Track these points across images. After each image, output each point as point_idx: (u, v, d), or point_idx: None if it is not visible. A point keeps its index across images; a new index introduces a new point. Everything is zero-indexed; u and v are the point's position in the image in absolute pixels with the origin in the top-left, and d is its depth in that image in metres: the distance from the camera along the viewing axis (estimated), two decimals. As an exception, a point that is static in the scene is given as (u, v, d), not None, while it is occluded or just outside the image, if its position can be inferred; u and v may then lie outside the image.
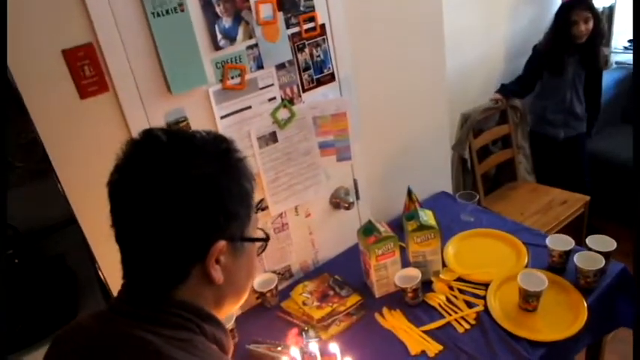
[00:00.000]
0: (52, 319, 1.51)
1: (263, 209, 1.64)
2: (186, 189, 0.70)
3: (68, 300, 1.58)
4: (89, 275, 1.70)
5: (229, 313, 0.83)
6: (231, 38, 1.42)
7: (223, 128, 1.48)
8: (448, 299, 1.57)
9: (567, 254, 1.55)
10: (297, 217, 1.73)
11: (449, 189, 2.24)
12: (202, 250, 0.72)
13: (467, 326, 1.45)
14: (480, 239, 1.78)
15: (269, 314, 1.66)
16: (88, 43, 1.25)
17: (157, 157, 0.72)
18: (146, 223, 0.70)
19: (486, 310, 1.48)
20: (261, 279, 1.68)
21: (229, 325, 1.54)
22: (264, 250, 0.86)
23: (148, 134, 0.76)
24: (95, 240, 1.39)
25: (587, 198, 2.53)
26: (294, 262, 1.78)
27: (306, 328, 1.55)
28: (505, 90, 2.80)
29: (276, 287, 1.67)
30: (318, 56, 1.60)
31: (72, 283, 1.65)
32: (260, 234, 0.83)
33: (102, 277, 1.45)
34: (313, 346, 1.37)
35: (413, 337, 1.47)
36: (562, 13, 2.62)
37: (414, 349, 1.43)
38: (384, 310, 1.58)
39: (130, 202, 0.71)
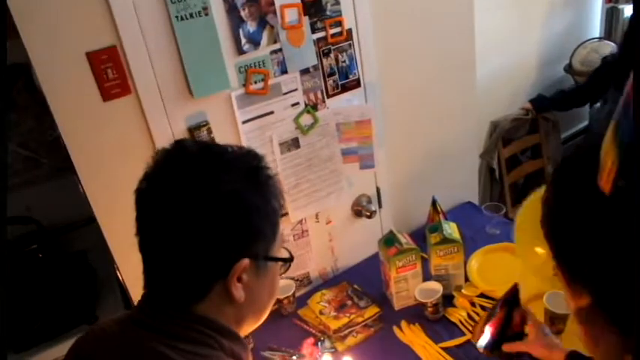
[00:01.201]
0: (70, 316, 1.53)
1: (283, 215, 1.62)
2: (214, 204, 0.69)
3: (87, 298, 1.59)
4: (109, 274, 1.71)
5: (249, 330, 0.82)
6: (255, 42, 1.40)
7: (245, 133, 1.47)
8: (469, 316, 1.52)
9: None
10: (317, 223, 1.70)
11: (475, 199, 2.18)
12: (225, 267, 0.71)
13: (488, 345, 1.40)
14: (505, 254, 1.72)
15: (285, 321, 1.64)
16: (112, 46, 1.25)
17: (186, 170, 0.72)
18: (170, 235, 0.70)
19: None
20: (279, 285, 1.66)
21: (245, 332, 1.53)
22: (287, 270, 0.84)
23: (180, 145, 0.76)
24: (114, 241, 1.40)
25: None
26: (312, 269, 1.75)
27: (322, 338, 1.52)
28: (540, 101, 2.68)
29: (293, 294, 1.64)
30: (344, 61, 1.57)
31: (92, 280, 1.67)
32: (284, 253, 0.82)
33: (120, 278, 1.45)
34: (327, 359, 1.35)
35: (431, 354, 1.43)
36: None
37: (432, 367, 1.39)
38: (403, 323, 1.54)
39: (156, 213, 0.71)
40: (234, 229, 0.70)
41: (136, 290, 1.46)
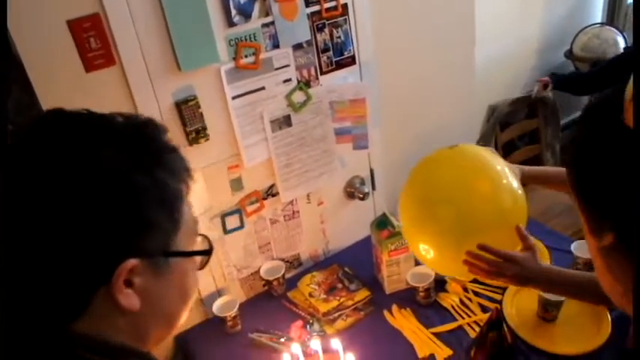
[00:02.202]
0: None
1: (273, 195, 1.58)
2: (87, 188, 0.53)
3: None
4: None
5: (162, 341, 0.66)
6: (246, 14, 1.35)
7: (235, 109, 1.42)
8: (462, 301, 1.49)
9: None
10: (308, 204, 1.66)
11: (470, 183, 2.14)
12: (106, 270, 0.54)
13: (480, 331, 1.37)
14: (499, 239, 1.68)
15: (274, 303, 1.62)
16: (95, 14, 1.19)
17: (56, 145, 0.55)
18: (32, 230, 0.52)
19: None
20: (269, 266, 1.63)
21: (232, 313, 1.50)
22: (206, 264, 0.67)
23: (54, 114, 0.61)
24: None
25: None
26: (303, 250, 1.72)
27: (310, 321, 1.49)
28: (558, 79, 2.54)
29: (283, 276, 1.61)
30: (339, 37, 1.52)
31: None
32: (199, 244, 0.65)
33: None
34: (315, 343, 1.31)
35: (422, 339, 1.40)
36: None
37: (422, 352, 1.37)
38: (394, 307, 1.51)
39: (15, 202, 0.52)
40: (115, 219, 0.54)
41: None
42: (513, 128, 2.57)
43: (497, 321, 1.21)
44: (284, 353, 1.31)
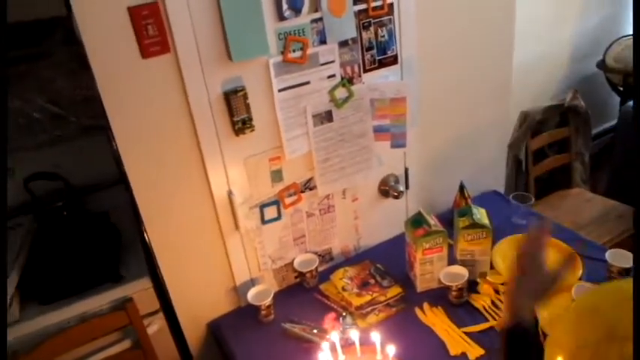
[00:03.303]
0: (95, 274, 1.53)
1: (311, 189, 1.60)
2: None
3: (111, 257, 1.59)
4: (132, 236, 1.71)
5: None
6: (296, 9, 1.37)
7: (280, 102, 1.44)
8: (493, 303, 1.50)
9: (627, 271, 1.46)
10: (343, 200, 1.68)
11: (500, 188, 2.15)
12: None
13: (512, 332, 1.38)
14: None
15: (307, 295, 1.64)
16: (153, 2, 1.23)
17: None
18: None
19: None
20: (302, 259, 1.66)
21: (266, 302, 1.53)
22: None
23: None
24: (143, 200, 1.39)
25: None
26: (335, 245, 1.74)
27: (344, 314, 1.51)
28: None
29: (316, 269, 1.64)
30: (383, 36, 1.54)
31: (116, 241, 1.66)
32: None
33: (147, 239, 1.45)
34: (354, 334, 1.34)
35: (454, 338, 1.41)
36: None
37: (453, 350, 1.38)
38: (425, 305, 1.53)
39: None
40: None
41: (162, 251, 1.47)
42: (544, 136, 2.57)
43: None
44: (323, 342, 1.33)
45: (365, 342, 1.37)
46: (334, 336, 1.33)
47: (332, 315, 1.50)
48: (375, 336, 1.31)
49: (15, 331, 1.43)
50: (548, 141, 2.61)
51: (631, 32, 3.00)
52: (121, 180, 1.91)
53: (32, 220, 1.70)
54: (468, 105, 1.86)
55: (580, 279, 1.51)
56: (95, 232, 1.66)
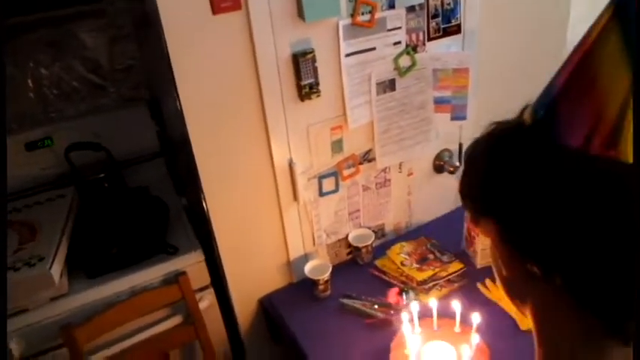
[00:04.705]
0: (144, 246, 1.46)
1: (369, 161, 1.55)
2: None
3: (159, 229, 1.52)
4: (175, 209, 1.64)
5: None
6: (368, -31, 1.32)
7: (346, 67, 1.39)
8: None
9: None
10: (399, 174, 1.63)
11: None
12: None
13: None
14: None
15: (361, 271, 1.59)
16: (229, -46, 1.16)
17: None
18: None
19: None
20: (357, 233, 1.60)
21: (325, 276, 1.47)
22: None
23: None
24: (204, 166, 1.32)
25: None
26: (389, 221, 1.69)
27: (406, 289, 1.46)
28: None
29: (372, 244, 1.58)
30: (449, 4, 1.49)
31: (164, 212, 1.59)
32: None
33: (205, 207, 1.38)
34: (433, 302, 1.29)
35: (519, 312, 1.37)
36: None
37: (523, 325, 1.34)
38: (487, 281, 1.48)
39: None
40: None
41: (220, 222, 1.40)
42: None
43: None
44: (402, 312, 1.28)
45: (429, 315, 1.33)
46: (414, 306, 1.28)
47: (395, 290, 1.45)
48: (456, 305, 1.27)
49: (64, 304, 1.36)
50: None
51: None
52: (159, 154, 1.84)
53: (74, 192, 1.61)
54: (525, 80, 1.82)
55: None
56: (141, 205, 1.59)
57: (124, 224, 1.49)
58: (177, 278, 1.43)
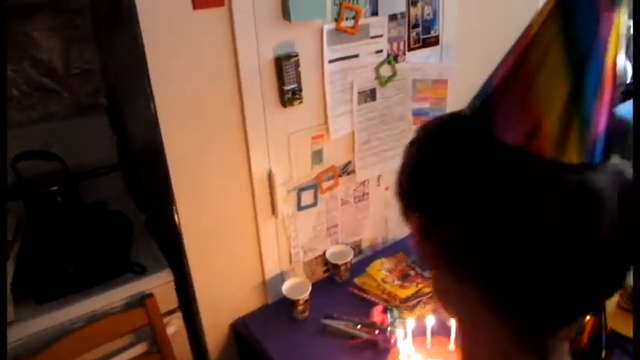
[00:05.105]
0: (104, 267, 1.31)
1: (348, 173, 1.49)
2: None
3: (123, 247, 1.37)
4: (137, 224, 1.50)
5: None
6: (354, -26, 1.28)
7: (329, 74, 1.33)
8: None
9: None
10: (377, 187, 1.58)
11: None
12: None
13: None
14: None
15: (340, 289, 1.51)
16: (214, -56, 1.09)
17: None
18: None
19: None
20: (335, 250, 1.53)
21: (304, 296, 1.38)
22: None
23: None
24: (178, 173, 1.21)
25: None
26: (366, 237, 1.62)
27: (390, 307, 1.39)
28: None
29: (350, 261, 1.51)
30: (429, 14, 1.48)
31: (127, 229, 1.45)
32: None
33: (177, 219, 1.26)
34: (430, 320, 1.22)
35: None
36: None
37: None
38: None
39: None
40: None
41: (192, 238, 1.28)
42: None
43: None
44: (398, 329, 1.20)
45: (419, 333, 1.26)
46: (410, 323, 1.20)
47: (379, 308, 1.38)
48: (435, 322, 1.21)
49: (11, 333, 1.18)
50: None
51: None
52: (117, 166, 1.70)
53: (21, 207, 1.44)
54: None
55: None
56: (100, 220, 1.44)
57: (82, 242, 1.34)
58: (143, 301, 1.29)
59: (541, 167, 0.42)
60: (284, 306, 1.42)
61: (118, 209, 1.55)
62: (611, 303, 1.36)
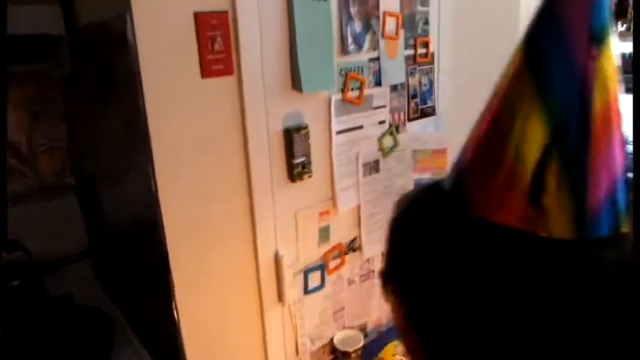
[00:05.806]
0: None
1: (354, 250, 1.38)
2: None
3: (103, 352, 1.16)
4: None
5: None
6: (359, 45, 1.25)
7: (336, 146, 1.26)
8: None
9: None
10: (381, 264, 1.47)
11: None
12: None
13: None
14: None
15: (351, 382, 1.34)
16: (224, 11, 1.02)
17: None
18: None
19: None
20: (343, 335, 1.38)
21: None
22: None
23: None
24: (176, 245, 1.05)
25: None
26: (372, 318, 1.49)
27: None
28: None
29: (363, 346, 1.36)
30: (425, 85, 1.46)
31: (108, 329, 1.24)
32: None
33: (175, 312, 1.08)
34: None
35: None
36: None
37: None
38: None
39: None
40: None
41: (191, 334, 1.10)
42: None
43: None
44: None
45: None
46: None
47: (401, 401, 1.23)
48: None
49: None
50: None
51: None
52: (87, 253, 1.50)
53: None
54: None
55: None
56: (73, 320, 1.22)
57: (52, 350, 1.11)
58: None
59: (530, 250, 0.36)
60: (291, 407, 1.24)
61: (87, 303, 1.34)
62: None
